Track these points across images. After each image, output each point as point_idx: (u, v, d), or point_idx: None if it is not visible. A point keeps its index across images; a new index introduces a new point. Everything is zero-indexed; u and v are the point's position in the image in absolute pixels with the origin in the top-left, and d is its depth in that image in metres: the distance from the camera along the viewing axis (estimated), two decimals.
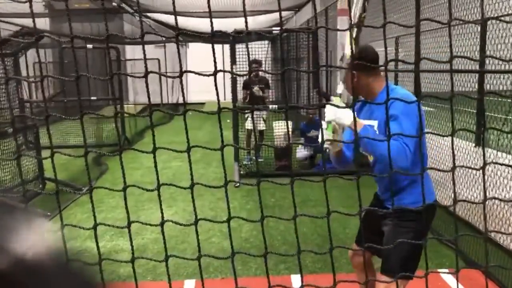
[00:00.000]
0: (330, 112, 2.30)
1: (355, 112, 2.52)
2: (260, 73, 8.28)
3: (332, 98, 2.55)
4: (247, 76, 8.04)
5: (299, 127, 8.55)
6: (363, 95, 2.48)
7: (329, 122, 2.31)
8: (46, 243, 0.47)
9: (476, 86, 4.75)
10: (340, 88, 2.43)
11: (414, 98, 2.26)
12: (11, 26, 8.41)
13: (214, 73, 1.05)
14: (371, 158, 2.52)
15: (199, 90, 15.81)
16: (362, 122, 2.28)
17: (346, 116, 2.24)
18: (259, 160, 8.12)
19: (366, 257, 2.71)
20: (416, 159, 2.16)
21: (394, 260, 2.37)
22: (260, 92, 8.07)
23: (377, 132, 2.33)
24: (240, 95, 7.94)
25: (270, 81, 8.74)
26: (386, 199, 2.56)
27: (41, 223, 0.48)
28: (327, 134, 2.30)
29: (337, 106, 2.07)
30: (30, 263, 0.44)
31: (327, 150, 2.51)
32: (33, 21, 1.15)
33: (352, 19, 2.42)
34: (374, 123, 2.37)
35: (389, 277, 2.32)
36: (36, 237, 0.47)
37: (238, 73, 7.45)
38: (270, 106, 7.78)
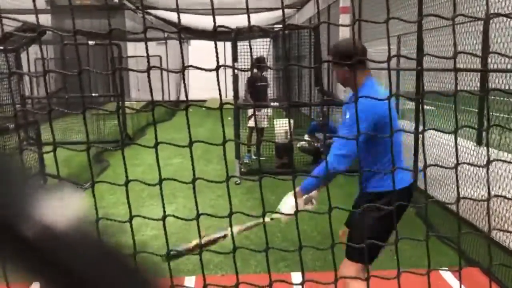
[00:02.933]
0: (290, 211, 2.68)
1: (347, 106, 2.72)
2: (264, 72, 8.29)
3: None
4: (250, 74, 8.04)
5: (310, 124, 8.54)
6: (350, 88, 2.67)
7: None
8: (77, 214, 0.47)
9: (479, 85, 4.74)
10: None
11: (383, 97, 2.40)
12: (12, 22, 8.41)
13: (217, 68, 1.04)
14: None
15: (201, 88, 15.81)
16: (297, 191, 2.65)
17: (286, 207, 2.83)
18: (262, 158, 8.13)
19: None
20: (376, 150, 2.45)
21: (353, 241, 2.53)
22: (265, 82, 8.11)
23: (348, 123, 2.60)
24: (241, 93, 7.93)
25: (270, 80, 8.79)
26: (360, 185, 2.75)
27: (73, 194, 0.48)
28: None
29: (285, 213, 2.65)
30: (59, 232, 0.44)
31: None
32: (36, 16, 1.15)
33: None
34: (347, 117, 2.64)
35: (348, 258, 2.60)
36: (67, 207, 0.47)
37: (240, 68, 7.45)
38: (272, 105, 7.79)
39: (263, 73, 8.19)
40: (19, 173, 0.47)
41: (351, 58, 2.35)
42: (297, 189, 2.55)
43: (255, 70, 7.93)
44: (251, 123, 7.99)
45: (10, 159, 0.50)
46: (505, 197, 1.19)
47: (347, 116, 2.61)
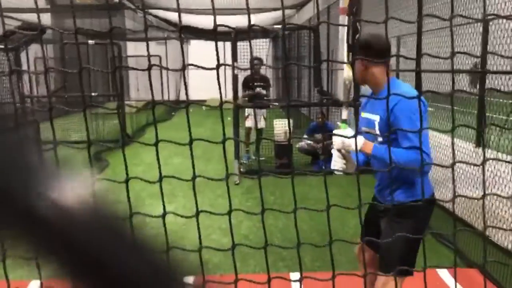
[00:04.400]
0: (337, 142, 2.37)
1: (362, 105, 2.55)
2: (261, 71, 8.26)
3: (338, 124, 2.60)
4: (248, 74, 8.04)
5: (310, 125, 8.54)
6: (370, 86, 2.45)
7: (338, 150, 2.39)
8: (91, 195, 0.47)
9: (477, 87, 4.76)
10: (345, 114, 2.48)
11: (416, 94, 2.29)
12: (12, 21, 8.42)
13: (217, 67, 1.05)
14: None
15: (200, 88, 15.81)
16: (369, 143, 2.30)
17: (353, 143, 2.29)
18: (261, 158, 8.14)
19: (371, 255, 2.73)
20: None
21: (391, 256, 2.38)
22: (263, 91, 8.07)
23: (377, 128, 2.33)
24: (240, 93, 7.93)
25: (270, 80, 8.74)
26: (383, 196, 2.56)
27: (88, 175, 0.48)
28: (338, 162, 2.41)
29: (345, 136, 2.20)
30: (73, 212, 0.44)
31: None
32: (38, 14, 1.16)
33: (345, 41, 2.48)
34: (377, 117, 2.37)
35: (387, 273, 2.33)
36: (81, 188, 0.47)
37: (240, 67, 7.46)
38: (270, 105, 7.79)
39: (258, 74, 8.14)
40: (35, 155, 0.47)
41: (383, 55, 2.21)
42: (366, 142, 2.29)
43: (249, 72, 7.94)
44: (248, 123, 7.99)
45: (26, 142, 0.50)
46: (499, 195, 1.20)
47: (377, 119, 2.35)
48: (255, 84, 8.00)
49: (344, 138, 2.29)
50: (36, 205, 0.43)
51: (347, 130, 2.45)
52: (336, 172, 2.45)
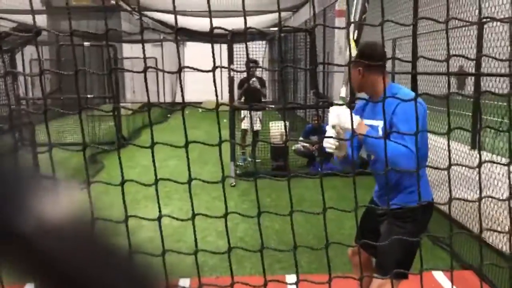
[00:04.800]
0: (333, 116, 2.27)
1: (357, 111, 2.52)
2: (257, 73, 8.27)
3: (336, 101, 2.54)
4: (244, 76, 8.04)
5: (305, 127, 8.56)
6: (368, 93, 2.45)
7: (333, 126, 2.28)
8: (75, 210, 0.46)
9: (472, 89, 4.78)
10: (343, 91, 2.41)
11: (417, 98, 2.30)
12: (7, 23, 8.38)
13: (213, 69, 1.05)
14: (372, 157, 2.53)
15: (196, 90, 15.78)
16: (365, 125, 2.27)
17: (348, 121, 2.19)
18: (257, 160, 8.14)
19: (365, 258, 2.73)
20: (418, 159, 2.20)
21: (388, 259, 2.38)
22: (256, 83, 8.04)
23: (381, 133, 2.32)
24: (236, 95, 7.93)
25: (266, 82, 8.74)
26: (384, 201, 2.54)
27: (70, 189, 0.47)
28: (331, 140, 2.28)
29: (341, 105, 2.09)
30: (55, 228, 0.44)
31: (334, 156, 2.49)
32: (33, 16, 1.16)
33: (352, 18, 2.43)
34: (379, 123, 2.34)
35: (383, 275, 2.33)
36: (65, 203, 0.46)
37: (236, 70, 7.47)
38: (267, 108, 7.79)
39: (254, 75, 8.15)
40: (15, 169, 0.47)
41: (377, 61, 2.25)
42: (361, 122, 2.25)
43: (244, 74, 7.94)
44: (244, 125, 7.99)
45: (4, 156, 0.49)
46: (494, 197, 1.20)
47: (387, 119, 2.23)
48: (251, 86, 8.01)
49: (341, 112, 2.22)
50: (17, 221, 0.42)
51: (345, 109, 2.34)
52: (327, 150, 2.36)
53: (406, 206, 2.33)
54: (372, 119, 2.41)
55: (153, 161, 1.15)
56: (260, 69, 8.27)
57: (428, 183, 2.59)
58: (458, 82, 5.41)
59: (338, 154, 2.38)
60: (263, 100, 8.29)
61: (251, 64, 7.80)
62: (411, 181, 2.37)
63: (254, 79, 8.03)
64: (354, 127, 2.14)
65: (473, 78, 4.29)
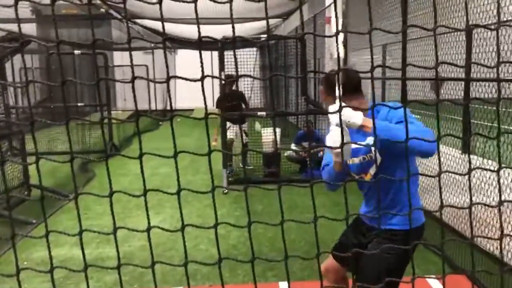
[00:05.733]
0: (336, 115, 2.00)
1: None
2: (234, 87, 7.96)
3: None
4: (219, 95, 7.87)
5: (297, 133, 8.55)
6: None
7: (337, 125, 2.05)
8: None
9: (462, 94, 4.82)
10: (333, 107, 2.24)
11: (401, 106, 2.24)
12: None
13: (202, 79, 1.05)
14: (368, 177, 2.42)
15: (188, 97, 15.77)
16: (369, 119, 2.04)
17: (355, 115, 2.02)
18: (248, 167, 8.09)
19: (342, 273, 2.69)
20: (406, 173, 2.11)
21: (370, 277, 2.29)
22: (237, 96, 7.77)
23: (374, 149, 2.26)
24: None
25: (257, 89, 8.60)
26: (374, 222, 2.47)
27: None
28: (335, 136, 2.05)
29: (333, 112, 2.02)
30: None
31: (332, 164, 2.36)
32: (19, 26, 1.15)
33: (334, 27, 2.39)
34: (369, 139, 2.26)
35: None
36: None
37: (226, 78, 7.44)
38: (258, 113, 7.78)
39: (233, 90, 7.76)
40: None
41: (357, 86, 2.31)
42: (367, 118, 2.04)
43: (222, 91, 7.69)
44: (229, 135, 7.76)
45: None
46: (484, 203, 1.20)
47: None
48: (229, 104, 7.71)
49: (345, 109, 1.96)
50: None
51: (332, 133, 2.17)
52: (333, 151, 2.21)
53: (400, 230, 2.31)
54: (362, 140, 2.29)
55: (142, 172, 1.14)
56: (244, 79, 8.11)
57: (420, 204, 2.56)
58: (431, 85, 5.45)
59: (338, 159, 2.20)
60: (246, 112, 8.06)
61: (228, 79, 7.55)
62: (406, 200, 2.27)
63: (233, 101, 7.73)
64: (360, 123, 2.02)
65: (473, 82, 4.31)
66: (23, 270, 1.27)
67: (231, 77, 7.56)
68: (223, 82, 7.60)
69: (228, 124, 7.84)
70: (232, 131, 7.80)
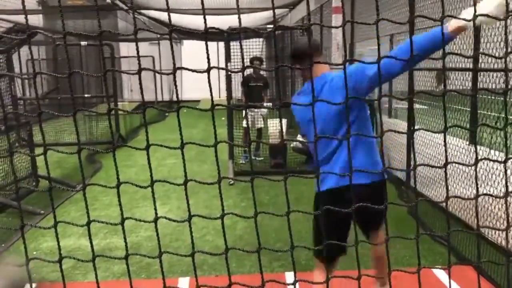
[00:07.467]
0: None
1: (316, 93, 2.56)
2: (262, 72, 8.35)
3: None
4: (248, 73, 8.07)
5: None
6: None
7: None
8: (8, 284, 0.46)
9: (470, 85, 4.78)
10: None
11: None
12: (4, 23, 8.36)
13: (208, 70, 1.05)
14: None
15: (194, 88, 15.76)
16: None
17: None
18: (260, 158, 8.15)
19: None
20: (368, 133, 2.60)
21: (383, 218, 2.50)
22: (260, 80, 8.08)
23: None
24: (236, 93, 7.94)
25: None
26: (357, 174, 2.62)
27: (9, 264, 0.47)
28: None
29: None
30: None
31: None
32: (26, 17, 1.15)
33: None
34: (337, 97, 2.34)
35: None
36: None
37: (233, 70, 7.44)
38: (265, 104, 7.79)
39: (259, 74, 8.21)
40: None
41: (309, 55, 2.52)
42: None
43: (248, 71, 7.94)
44: (245, 123, 7.99)
45: None
46: (491, 195, 1.20)
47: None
48: (253, 84, 8.05)
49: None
50: None
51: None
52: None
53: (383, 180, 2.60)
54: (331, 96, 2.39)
55: (149, 163, 1.15)
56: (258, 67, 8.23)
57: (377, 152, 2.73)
58: (437, 76, 5.45)
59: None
60: (265, 98, 8.32)
61: (255, 62, 7.84)
62: (373, 155, 2.63)
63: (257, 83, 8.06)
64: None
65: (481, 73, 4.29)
66: (32, 259, 1.29)
67: (258, 59, 7.88)
68: (248, 64, 7.73)
69: (245, 111, 7.93)
70: (251, 117, 7.90)
